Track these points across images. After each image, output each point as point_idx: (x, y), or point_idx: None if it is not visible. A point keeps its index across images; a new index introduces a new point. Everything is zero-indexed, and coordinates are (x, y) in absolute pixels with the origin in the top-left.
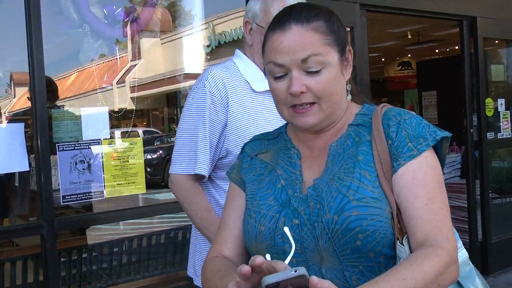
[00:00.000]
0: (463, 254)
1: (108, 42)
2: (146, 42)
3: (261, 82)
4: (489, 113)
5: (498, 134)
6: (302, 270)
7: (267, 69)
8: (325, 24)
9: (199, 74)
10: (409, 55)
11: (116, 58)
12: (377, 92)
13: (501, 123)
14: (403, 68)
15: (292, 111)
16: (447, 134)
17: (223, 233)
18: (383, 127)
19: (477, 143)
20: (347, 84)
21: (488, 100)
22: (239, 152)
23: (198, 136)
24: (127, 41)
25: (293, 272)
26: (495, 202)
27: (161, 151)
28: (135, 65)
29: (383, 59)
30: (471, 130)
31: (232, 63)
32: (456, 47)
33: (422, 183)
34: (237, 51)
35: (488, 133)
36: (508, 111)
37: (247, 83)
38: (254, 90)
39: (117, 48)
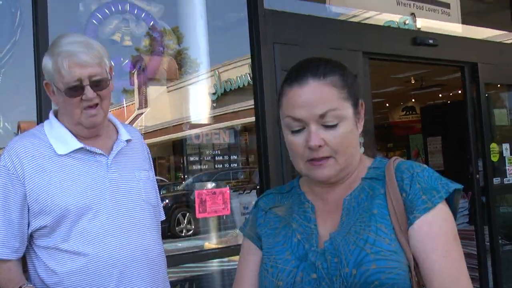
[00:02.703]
0: None
1: (115, 92)
2: (153, 91)
3: (65, 144)
4: (495, 158)
5: (505, 179)
6: None
7: (284, 123)
8: (340, 78)
9: (205, 121)
10: (413, 100)
11: (123, 107)
12: (383, 138)
13: (507, 168)
14: (408, 113)
15: (308, 164)
16: (459, 186)
17: None
18: (397, 180)
19: (484, 189)
20: (360, 137)
21: (493, 145)
22: (51, 220)
23: None
24: (134, 90)
25: None
26: (506, 249)
27: (167, 200)
28: (142, 113)
29: (387, 104)
30: (477, 175)
31: (41, 127)
32: (459, 91)
33: (438, 235)
34: (50, 113)
35: (494, 179)
36: None
37: (51, 147)
38: (58, 154)
39: (124, 97)
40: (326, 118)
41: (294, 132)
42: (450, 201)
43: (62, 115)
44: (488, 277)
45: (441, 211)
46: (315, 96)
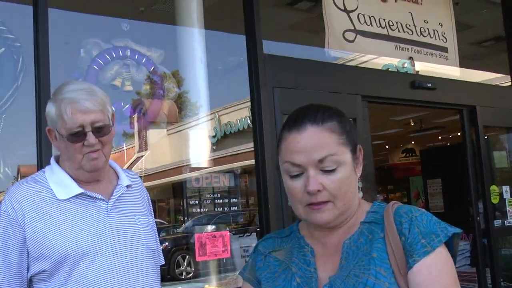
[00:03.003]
0: None
1: (115, 135)
2: (153, 134)
3: (66, 189)
4: (495, 200)
5: (505, 221)
6: None
7: (283, 169)
8: (338, 125)
9: (205, 164)
10: (413, 142)
11: (123, 150)
12: (383, 180)
13: (508, 210)
14: (407, 155)
15: (307, 208)
16: (458, 230)
17: None
18: (396, 224)
19: (485, 231)
20: (358, 182)
21: (493, 188)
22: (50, 265)
23: None
24: (134, 133)
25: None
26: None
27: (166, 243)
28: (142, 156)
29: (387, 146)
30: (478, 218)
31: (42, 172)
32: (459, 134)
33: (438, 279)
34: (52, 159)
35: (495, 221)
36: None
37: (52, 192)
38: (58, 199)
39: (123, 141)
40: (324, 163)
41: (293, 177)
42: (449, 245)
43: (63, 161)
44: None
45: (441, 254)
46: (313, 142)
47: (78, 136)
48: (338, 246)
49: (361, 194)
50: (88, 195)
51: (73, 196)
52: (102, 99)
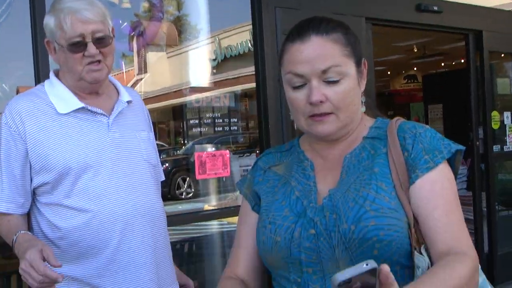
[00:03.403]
0: None
1: (114, 56)
2: (152, 56)
3: (66, 103)
4: (495, 126)
5: (504, 147)
6: (372, 263)
7: (286, 80)
8: (343, 36)
9: (205, 87)
10: (415, 69)
11: (122, 72)
12: (383, 105)
13: (507, 136)
14: (409, 81)
15: (310, 120)
16: (461, 147)
17: (237, 252)
18: (399, 140)
19: (483, 156)
20: (362, 96)
21: (494, 113)
22: (53, 177)
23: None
24: (133, 55)
25: (364, 265)
26: (502, 215)
27: (167, 164)
28: (141, 79)
29: (389, 73)
30: (477, 143)
31: (41, 86)
32: (462, 61)
33: (440, 194)
34: (51, 73)
35: (494, 146)
36: None
37: (52, 106)
38: (59, 113)
39: (123, 62)
40: (328, 74)
41: (296, 88)
42: (451, 163)
43: (63, 74)
44: (483, 241)
45: (443, 170)
46: (317, 52)
47: (78, 46)
48: (339, 160)
49: (364, 109)
50: (89, 110)
51: (73, 110)
52: (102, 10)
